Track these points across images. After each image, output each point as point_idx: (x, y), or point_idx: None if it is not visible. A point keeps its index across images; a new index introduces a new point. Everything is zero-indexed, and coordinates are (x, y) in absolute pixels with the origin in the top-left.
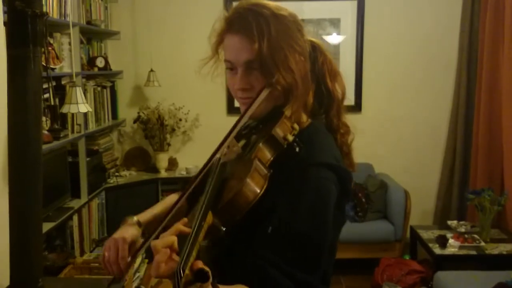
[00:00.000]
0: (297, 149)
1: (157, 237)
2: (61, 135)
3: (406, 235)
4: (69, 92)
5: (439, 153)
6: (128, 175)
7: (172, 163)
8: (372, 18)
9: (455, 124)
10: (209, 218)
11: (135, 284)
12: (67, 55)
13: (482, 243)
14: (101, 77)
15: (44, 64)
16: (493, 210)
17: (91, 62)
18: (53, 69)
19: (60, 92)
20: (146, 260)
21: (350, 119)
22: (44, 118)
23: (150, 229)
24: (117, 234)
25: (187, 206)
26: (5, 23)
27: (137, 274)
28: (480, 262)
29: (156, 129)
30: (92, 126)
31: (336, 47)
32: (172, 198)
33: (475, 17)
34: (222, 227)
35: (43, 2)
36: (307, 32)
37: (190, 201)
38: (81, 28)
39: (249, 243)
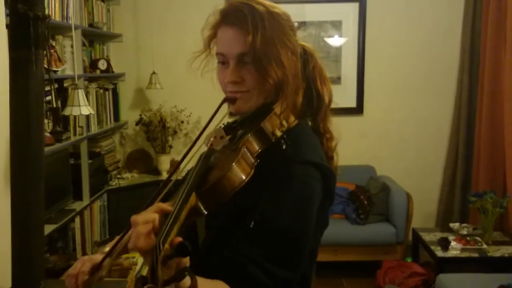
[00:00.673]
0: (284, 146)
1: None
2: (63, 138)
3: (408, 238)
4: (71, 94)
5: (441, 155)
6: (130, 177)
7: (174, 165)
8: (374, 20)
9: (457, 126)
10: (192, 199)
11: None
12: (69, 58)
13: (484, 246)
14: (103, 79)
15: (46, 67)
16: (495, 213)
17: (93, 64)
18: (55, 71)
19: (62, 94)
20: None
21: (351, 121)
22: (46, 121)
23: None
24: (87, 257)
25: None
26: (7, 26)
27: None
28: (482, 264)
29: (158, 132)
30: (94, 129)
31: (338, 49)
32: None
33: (477, 19)
34: (204, 210)
35: (46, 5)
36: (300, 38)
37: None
38: (83, 31)
39: (229, 237)
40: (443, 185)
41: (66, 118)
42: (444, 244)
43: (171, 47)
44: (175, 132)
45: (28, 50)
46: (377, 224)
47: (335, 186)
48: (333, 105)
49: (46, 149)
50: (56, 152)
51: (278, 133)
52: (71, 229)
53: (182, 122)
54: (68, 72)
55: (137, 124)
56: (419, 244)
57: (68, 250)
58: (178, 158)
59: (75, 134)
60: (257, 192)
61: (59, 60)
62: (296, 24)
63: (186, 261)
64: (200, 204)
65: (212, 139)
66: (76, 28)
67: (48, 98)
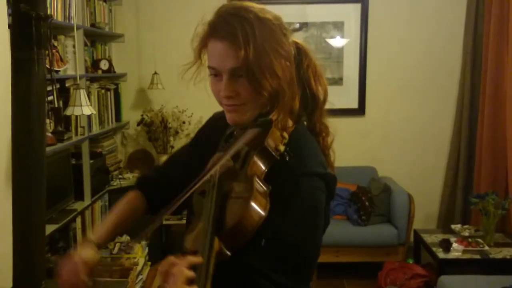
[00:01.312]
0: (287, 158)
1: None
2: (65, 138)
3: (409, 239)
4: (73, 94)
5: (443, 157)
6: (132, 178)
7: None
8: (376, 21)
9: (459, 127)
10: (216, 244)
11: (137, 286)
12: (71, 58)
13: (486, 247)
14: (105, 79)
15: (48, 67)
16: (497, 214)
17: (95, 64)
18: (57, 71)
19: (64, 94)
20: (149, 263)
21: (353, 122)
22: (48, 121)
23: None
24: (76, 257)
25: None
26: (9, 26)
27: (140, 277)
28: (484, 266)
29: (160, 132)
30: (96, 129)
31: (340, 50)
32: (122, 204)
33: (479, 21)
34: (227, 252)
35: (48, 5)
36: (292, 35)
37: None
38: (85, 31)
39: (240, 254)
40: (445, 186)
41: (68, 118)
42: (446, 245)
43: (173, 47)
44: (177, 132)
45: (30, 50)
46: (378, 225)
47: (335, 187)
48: (335, 106)
49: (48, 149)
50: (58, 152)
51: (281, 148)
52: (72, 229)
53: (184, 122)
54: (70, 72)
55: (138, 124)
56: (421, 246)
57: (69, 250)
58: None
59: (76, 134)
60: None
61: (61, 60)
62: (297, 25)
63: None
64: (223, 248)
65: (218, 164)
66: (78, 28)
67: (50, 98)
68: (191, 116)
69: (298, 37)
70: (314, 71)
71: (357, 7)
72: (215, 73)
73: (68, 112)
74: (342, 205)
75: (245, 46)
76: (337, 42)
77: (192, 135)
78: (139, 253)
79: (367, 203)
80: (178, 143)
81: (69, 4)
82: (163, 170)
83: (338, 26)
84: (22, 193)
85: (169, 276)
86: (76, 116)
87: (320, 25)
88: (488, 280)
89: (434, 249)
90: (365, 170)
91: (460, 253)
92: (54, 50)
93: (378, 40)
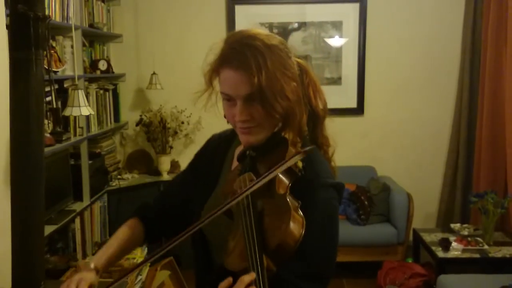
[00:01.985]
0: (303, 172)
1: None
2: (63, 138)
3: (409, 238)
4: (72, 95)
5: (442, 156)
6: (130, 178)
7: (174, 166)
8: (375, 20)
9: (458, 126)
10: (265, 262)
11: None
12: (69, 58)
13: (486, 246)
14: (104, 80)
15: (47, 67)
16: (497, 213)
17: (93, 65)
18: (55, 72)
19: (63, 95)
20: (148, 264)
21: (351, 121)
22: (46, 121)
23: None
24: (77, 276)
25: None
26: (7, 26)
27: (139, 277)
28: (484, 265)
29: (158, 132)
30: (95, 129)
31: (339, 49)
32: (123, 231)
33: (477, 19)
34: (274, 268)
35: (46, 5)
36: (300, 38)
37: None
38: (84, 31)
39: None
40: (444, 185)
41: (66, 118)
42: (445, 244)
43: (171, 48)
44: (176, 132)
45: (28, 50)
46: (378, 225)
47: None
48: (333, 106)
49: (46, 149)
50: (56, 152)
51: (300, 164)
52: (71, 230)
53: (183, 122)
54: (68, 72)
55: (137, 124)
56: (420, 245)
57: (68, 250)
58: (179, 158)
59: (75, 135)
60: None
61: (59, 60)
62: (296, 24)
63: None
64: (270, 264)
65: (241, 183)
66: (76, 28)
67: (48, 98)
68: (189, 116)
69: (297, 37)
70: (314, 87)
71: (356, 6)
72: (228, 99)
73: (67, 112)
74: (341, 205)
75: (258, 73)
76: (335, 41)
77: (191, 135)
78: (139, 253)
79: (366, 203)
80: (177, 143)
81: (67, 5)
82: (162, 198)
83: (337, 26)
84: (21, 194)
85: None
86: (75, 117)
87: (318, 25)
88: (488, 279)
89: (433, 248)
90: (364, 170)
91: (459, 252)
92: (52, 51)
93: (376, 40)
